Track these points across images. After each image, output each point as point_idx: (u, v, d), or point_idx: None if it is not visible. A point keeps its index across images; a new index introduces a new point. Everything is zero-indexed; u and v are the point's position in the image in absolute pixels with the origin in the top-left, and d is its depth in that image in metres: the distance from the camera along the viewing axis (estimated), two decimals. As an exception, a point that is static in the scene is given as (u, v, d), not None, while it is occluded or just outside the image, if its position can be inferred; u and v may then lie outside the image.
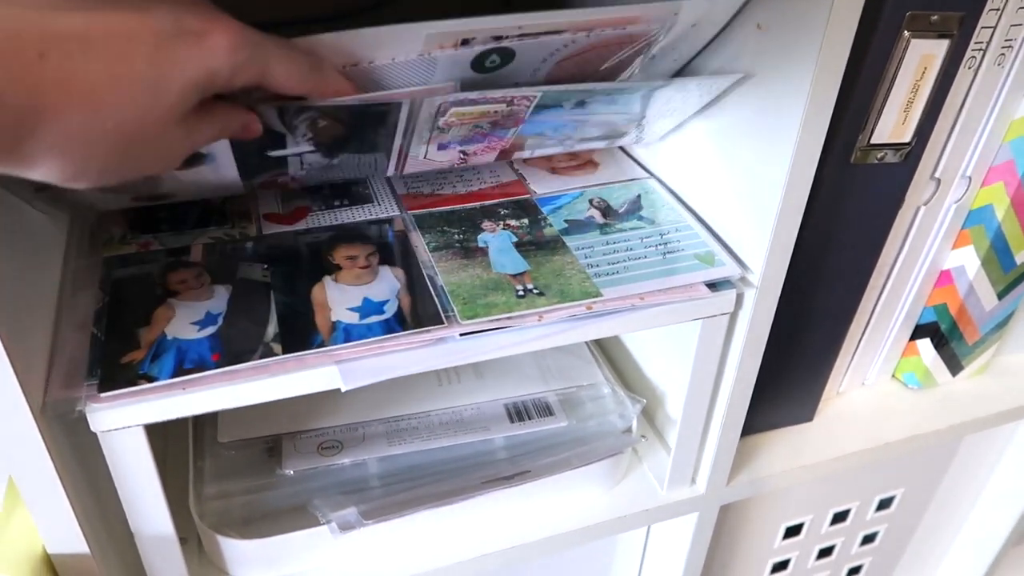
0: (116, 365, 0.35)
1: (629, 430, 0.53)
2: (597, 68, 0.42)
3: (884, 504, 0.74)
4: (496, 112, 0.41)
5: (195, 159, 0.38)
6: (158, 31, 0.26)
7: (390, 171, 0.46)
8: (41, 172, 0.25)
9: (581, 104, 0.42)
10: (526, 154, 0.49)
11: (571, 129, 0.46)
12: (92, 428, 0.35)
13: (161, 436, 0.51)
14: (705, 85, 0.43)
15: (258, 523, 0.46)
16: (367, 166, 0.45)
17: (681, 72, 0.47)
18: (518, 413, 0.52)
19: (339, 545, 0.46)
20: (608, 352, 0.61)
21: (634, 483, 0.54)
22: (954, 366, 0.63)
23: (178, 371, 0.35)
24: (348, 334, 0.37)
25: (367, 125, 0.39)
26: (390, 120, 0.39)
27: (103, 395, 0.34)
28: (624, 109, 0.45)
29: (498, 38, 0.36)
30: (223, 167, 0.40)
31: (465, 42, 0.35)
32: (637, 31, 0.39)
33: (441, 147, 0.43)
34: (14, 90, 0.23)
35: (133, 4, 0.26)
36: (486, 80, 0.39)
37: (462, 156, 0.46)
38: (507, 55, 0.38)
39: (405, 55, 0.35)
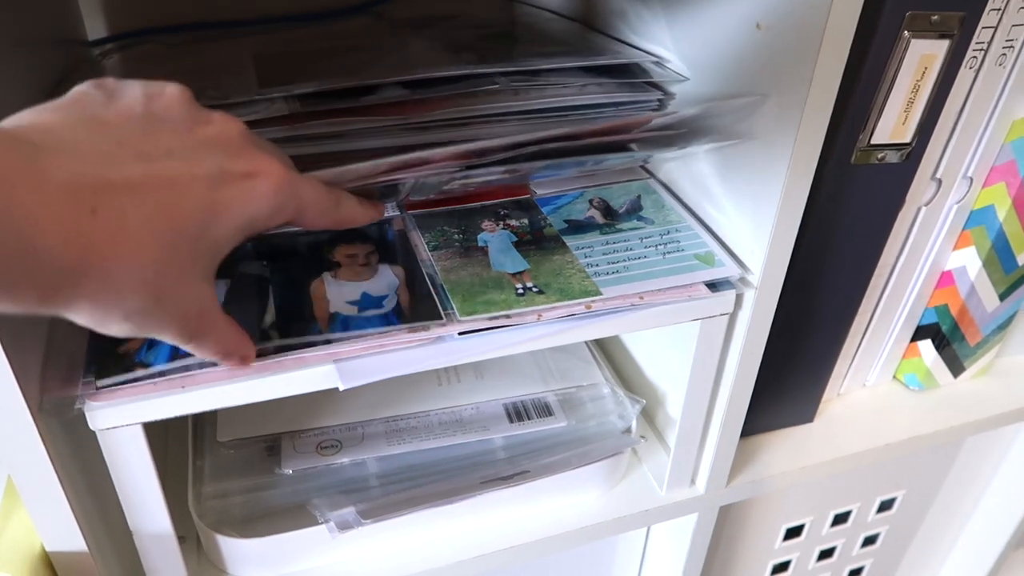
0: (112, 355, 0.35)
1: (629, 430, 0.53)
2: None
3: (885, 506, 0.74)
4: (498, 180, 0.42)
5: None
6: (206, 179, 0.27)
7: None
8: (70, 315, 0.25)
9: (583, 163, 0.44)
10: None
11: (571, 174, 0.48)
12: (91, 426, 0.35)
13: (161, 435, 0.51)
14: (707, 146, 0.44)
15: (257, 522, 0.46)
16: None
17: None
18: (517, 413, 0.52)
19: (338, 544, 0.46)
20: (608, 352, 0.61)
21: (634, 483, 0.54)
22: (956, 367, 0.63)
23: (173, 356, 0.35)
24: (346, 325, 0.37)
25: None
26: (395, 192, 0.41)
27: (101, 389, 0.34)
28: (626, 159, 0.46)
29: (516, 145, 0.37)
30: None
31: (483, 153, 0.36)
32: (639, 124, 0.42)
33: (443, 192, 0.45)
34: (64, 248, 0.23)
35: (183, 154, 0.27)
36: None
37: (464, 189, 0.47)
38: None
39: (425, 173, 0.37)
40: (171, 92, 0.29)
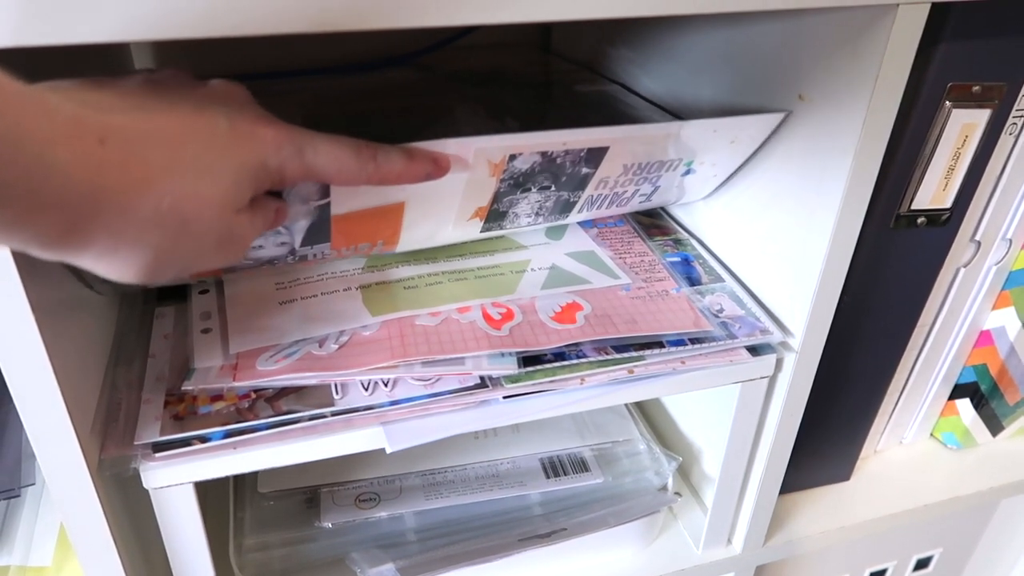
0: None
1: (665, 488, 0.52)
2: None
3: (922, 564, 0.73)
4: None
5: None
6: (213, 127, 0.28)
7: None
8: (95, 255, 0.25)
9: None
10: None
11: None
12: (145, 485, 0.35)
13: (202, 484, 0.52)
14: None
15: (296, 575, 0.46)
16: None
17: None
18: (554, 468, 0.52)
19: (376, 600, 0.46)
20: (645, 408, 0.61)
21: (669, 542, 0.54)
22: (994, 426, 0.62)
23: (230, 431, 0.36)
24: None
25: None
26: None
27: (157, 454, 0.35)
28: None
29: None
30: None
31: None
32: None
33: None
34: (78, 169, 0.23)
35: (190, 107, 0.28)
36: None
37: None
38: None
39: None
40: (169, 69, 0.31)
